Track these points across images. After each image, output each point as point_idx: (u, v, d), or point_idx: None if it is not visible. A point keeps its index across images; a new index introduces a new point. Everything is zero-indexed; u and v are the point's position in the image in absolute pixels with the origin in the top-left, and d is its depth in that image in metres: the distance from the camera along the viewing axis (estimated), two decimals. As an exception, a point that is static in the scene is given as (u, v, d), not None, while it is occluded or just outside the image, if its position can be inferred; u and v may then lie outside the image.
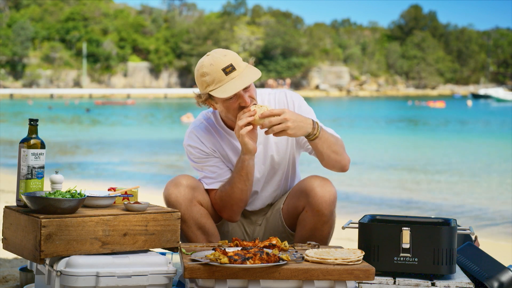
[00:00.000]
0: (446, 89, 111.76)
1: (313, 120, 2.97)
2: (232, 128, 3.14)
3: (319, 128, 2.97)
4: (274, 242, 2.80)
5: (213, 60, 2.95)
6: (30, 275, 3.38)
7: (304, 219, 3.06)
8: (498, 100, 77.85)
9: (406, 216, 3.11)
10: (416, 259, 2.80)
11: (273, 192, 3.26)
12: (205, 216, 3.09)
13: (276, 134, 2.91)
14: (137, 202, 2.79)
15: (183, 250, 2.76)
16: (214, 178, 3.14)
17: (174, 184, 3.05)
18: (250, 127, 2.92)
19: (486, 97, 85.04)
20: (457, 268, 3.00)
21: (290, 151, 3.22)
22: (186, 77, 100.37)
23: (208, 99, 3.03)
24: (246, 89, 2.97)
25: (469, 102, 70.49)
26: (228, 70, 2.92)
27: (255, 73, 2.97)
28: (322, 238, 3.06)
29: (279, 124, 2.88)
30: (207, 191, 3.15)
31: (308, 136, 2.96)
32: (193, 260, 2.55)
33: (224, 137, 3.17)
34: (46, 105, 54.91)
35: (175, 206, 3.01)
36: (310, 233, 3.05)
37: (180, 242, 2.90)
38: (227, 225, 3.25)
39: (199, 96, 3.06)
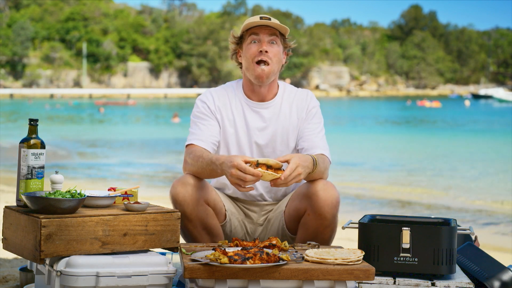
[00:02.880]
0: (446, 89, 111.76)
1: (312, 158, 2.97)
2: (250, 98, 3.24)
3: (316, 165, 2.98)
4: (274, 242, 2.80)
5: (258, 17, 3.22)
6: (30, 275, 3.38)
7: (306, 222, 3.06)
8: (501, 100, 77.74)
9: (406, 216, 3.11)
10: (416, 259, 2.80)
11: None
12: (211, 217, 3.09)
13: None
14: (137, 202, 2.79)
15: (183, 250, 2.76)
16: (198, 135, 3.16)
17: (182, 183, 3.03)
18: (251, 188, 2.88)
19: (487, 97, 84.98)
20: (457, 268, 3.00)
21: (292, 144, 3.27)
22: (186, 77, 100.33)
23: (238, 48, 3.26)
24: (270, 43, 3.18)
25: (467, 102, 70.41)
26: (265, 18, 3.17)
27: (284, 26, 3.18)
28: (323, 241, 3.06)
29: (295, 178, 2.85)
30: (188, 147, 3.16)
31: None
32: (193, 260, 2.55)
33: (238, 103, 3.25)
34: (46, 105, 54.95)
35: (182, 205, 3.00)
36: (312, 237, 3.06)
37: (181, 242, 2.89)
38: (229, 225, 3.25)
39: (233, 37, 3.26)
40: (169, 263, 2.65)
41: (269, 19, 3.16)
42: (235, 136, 3.22)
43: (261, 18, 3.16)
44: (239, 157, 2.82)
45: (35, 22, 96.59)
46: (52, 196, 2.61)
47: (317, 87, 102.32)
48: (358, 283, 2.76)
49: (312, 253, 2.64)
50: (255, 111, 3.23)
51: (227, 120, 3.22)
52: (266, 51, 3.14)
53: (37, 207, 2.55)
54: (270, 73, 3.16)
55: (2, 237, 2.78)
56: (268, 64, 3.14)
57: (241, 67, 3.29)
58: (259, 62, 3.15)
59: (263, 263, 2.48)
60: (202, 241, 3.08)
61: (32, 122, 2.77)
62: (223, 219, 3.21)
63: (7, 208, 2.75)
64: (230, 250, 2.66)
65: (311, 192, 3.02)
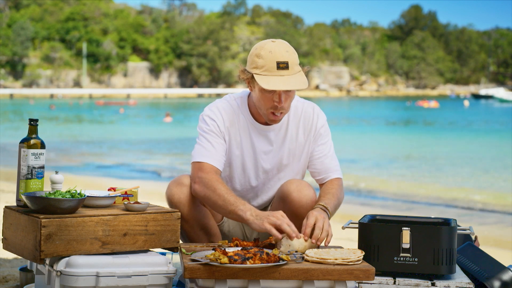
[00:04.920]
0: (446, 89, 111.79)
1: (326, 208, 2.96)
2: (257, 119, 3.10)
3: (330, 214, 2.98)
4: (274, 242, 2.80)
5: (274, 49, 2.95)
6: (30, 275, 3.38)
7: None
8: (501, 100, 77.68)
9: (406, 216, 3.10)
10: (416, 259, 2.80)
11: (272, 197, 3.26)
12: (207, 217, 3.09)
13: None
14: (137, 202, 2.79)
15: (183, 250, 2.75)
16: (211, 152, 3.03)
17: (177, 184, 3.02)
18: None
19: (488, 97, 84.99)
20: (457, 268, 3.00)
21: (302, 166, 3.22)
22: (186, 77, 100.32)
23: (250, 78, 3.00)
24: (287, 92, 2.96)
25: (466, 102, 70.37)
26: (282, 66, 2.92)
27: (302, 83, 2.94)
28: None
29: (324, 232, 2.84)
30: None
31: None
32: (193, 260, 2.55)
33: (244, 124, 3.11)
34: (48, 105, 54.95)
35: (178, 207, 2.98)
36: None
37: (180, 242, 2.89)
38: (227, 225, 3.25)
39: (243, 71, 3.02)
40: (169, 263, 2.65)
41: (287, 66, 2.93)
42: (240, 159, 3.13)
43: (278, 65, 2.92)
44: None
45: (35, 22, 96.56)
46: (52, 196, 2.61)
47: (317, 87, 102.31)
48: (358, 283, 2.76)
49: (312, 253, 2.64)
50: (262, 133, 3.12)
51: (234, 142, 3.11)
52: (280, 103, 2.97)
53: (37, 207, 2.55)
54: (284, 116, 3.07)
55: (2, 237, 2.78)
56: (283, 112, 3.02)
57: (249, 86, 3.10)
58: (274, 110, 3.00)
59: (263, 263, 2.48)
60: (200, 241, 3.07)
61: (32, 122, 2.77)
62: (220, 219, 3.20)
63: (7, 208, 2.75)
64: (230, 250, 2.66)
65: (285, 194, 3.02)
